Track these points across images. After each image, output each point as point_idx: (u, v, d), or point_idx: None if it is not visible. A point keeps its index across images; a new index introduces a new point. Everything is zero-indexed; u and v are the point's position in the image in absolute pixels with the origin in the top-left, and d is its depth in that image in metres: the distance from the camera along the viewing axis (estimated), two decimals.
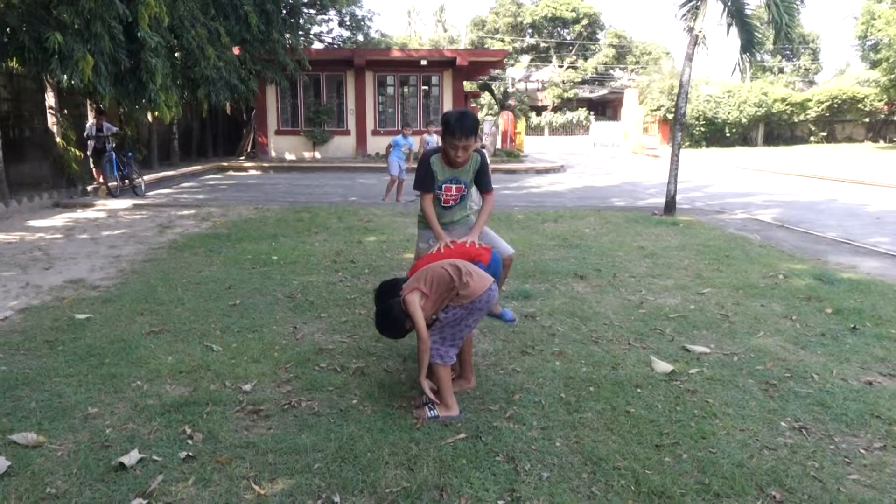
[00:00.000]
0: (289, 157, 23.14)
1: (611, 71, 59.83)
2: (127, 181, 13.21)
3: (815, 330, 4.62)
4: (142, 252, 7.29)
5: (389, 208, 10.84)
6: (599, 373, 3.82)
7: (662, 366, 3.91)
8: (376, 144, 23.00)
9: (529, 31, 60.95)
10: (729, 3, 10.42)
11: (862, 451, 2.95)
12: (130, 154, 13.74)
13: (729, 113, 35.01)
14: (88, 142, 13.23)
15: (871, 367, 3.95)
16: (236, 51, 16.74)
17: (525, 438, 3.03)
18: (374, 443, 2.97)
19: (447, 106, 23.56)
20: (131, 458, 2.77)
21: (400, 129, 13.05)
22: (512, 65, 56.66)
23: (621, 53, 60.17)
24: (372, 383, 3.66)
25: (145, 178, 15.42)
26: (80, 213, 10.64)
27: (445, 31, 64.00)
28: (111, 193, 12.58)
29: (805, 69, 57.09)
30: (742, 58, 10.99)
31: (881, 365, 3.98)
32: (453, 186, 3.93)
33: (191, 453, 2.84)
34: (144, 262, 6.73)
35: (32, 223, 9.54)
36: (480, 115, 35.83)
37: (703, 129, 35.30)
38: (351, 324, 4.72)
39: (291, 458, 2.83)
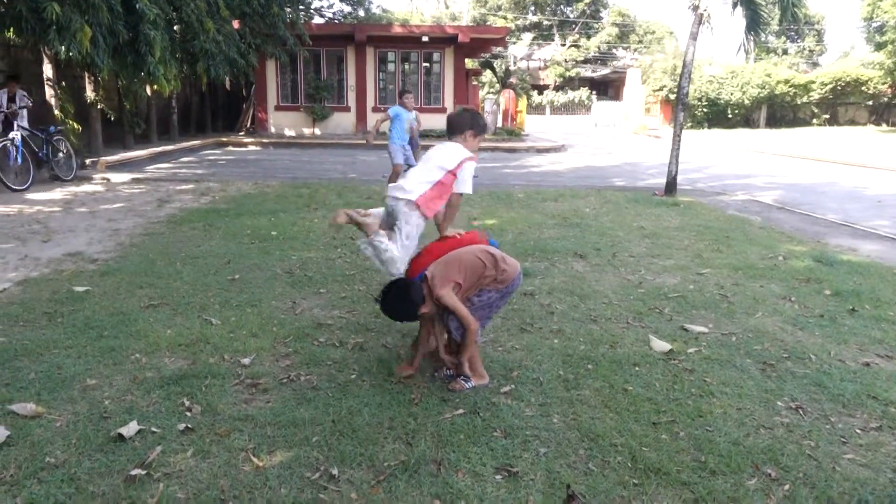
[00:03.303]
0: (288, 133, 23.01)
1: (613, 50, 59.29)
2: (48, 166, 10.89)
3: (813, 311, 4.63)
4: (140, 226, 7.27)
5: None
6: (598, 351, 3.83)
7: (661, 345, 3.92)
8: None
9: (532, 8, 60.28)
10: None
11: (858, 431, 2.96)
12: (54, 129, 11.11)
13: (732, 94, 34.82)
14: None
15: (869, 348, 3.96)
16: (236, 24, 16.54)
17: (523, 415, 3.04)
18: (373, 417, 2.98)
19: (448, 83, 23.40)
20: (130, 429, 2.78)
21: (400, 98, 10.79)
22: (514, 42, 56.15)
23: (624, 32, 59.59)
24: (370, 358, 3.66)
25: (144, 152, 15.37)
26: (79, 187, 10.59)
27: (447, 7, 63.16)
28: (7, 187, 9.58)
29: (809, 51, 56.64)
30: (747, 38, 10.88)
31: (879, 346, 3.99)
32: None
33: (189, 425, 2.86)
34: (143, 236, 6.72)
35: (31, 196, 9.50)
36: (482, 94, 35.60)
37: (705, 110, 35.12)
38: (350, 299, 4.72)
39: (290, 431, 2.84)
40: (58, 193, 9.78)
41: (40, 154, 10.77)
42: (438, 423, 2.93)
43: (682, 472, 2.59)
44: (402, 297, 3.19)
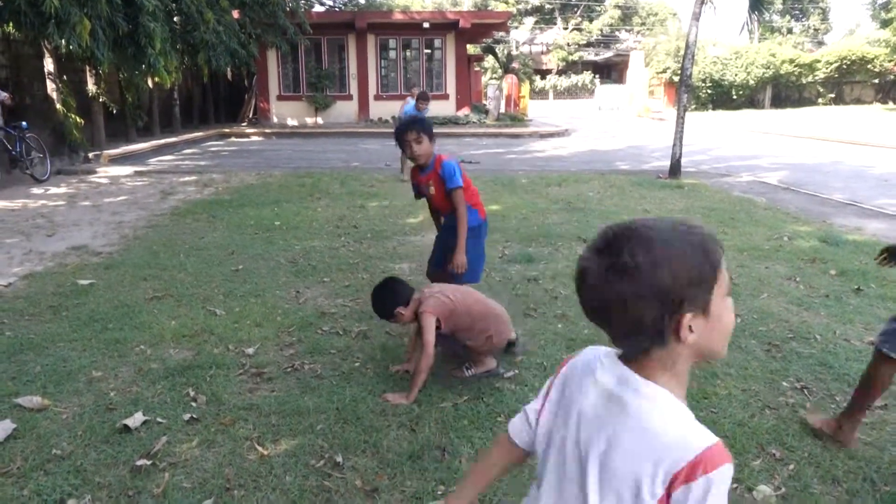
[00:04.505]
0: (291, 122, 22.96)
1: (616, 33, 58.87)
2: (21, 165, 10.19)
3: (818, 291, 4.60)
4: (144, 218, 7.28)
5: (392, 173, 10.78)
6: (601, 335, 3.77)
7: None
8: (379, 109, 22.80)
9: None
10: None
11: None
12: (26, 125, 10.39)
13: (736, 75, 34.56)
14: None
15: (875, 327, 3.93)
16: (235, 14, 16.51)
17: (527, 400, 3.00)
18: (377, 404, 2.98)
19: (450, 70, 23.29)
20: (135, 420, 2.80)
21: (416, 102, 10.53)
22: (516, 27, 55.74)
23: (627, 15, 59.14)
24: (374, 346, 3.67)
25: (147, 144, 15.37)
26: (82, 180, 10.61)
27: None
28: None
29: (814, 29, 56.11)
30: (750, 17, 10.81)
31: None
32: None
33: (194, 415, 2.87)
34: (147, 229, 6.73)
35: (34, 190, 9.53)
36: (484, 80, 35.41)
37: (709, 91, 34.89)
38: (353, 288, 4.72)
39: (294, 419, 2.85)
40: (61, 187, 9.81)
41: (13, 152, 10.10)
42: (442, 410, 2.93)
43: None
44: (384, 294, 3.20)
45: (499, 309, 3.28)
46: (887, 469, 2.50)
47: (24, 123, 10.43)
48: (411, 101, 10.62)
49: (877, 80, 36.56)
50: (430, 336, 3.02)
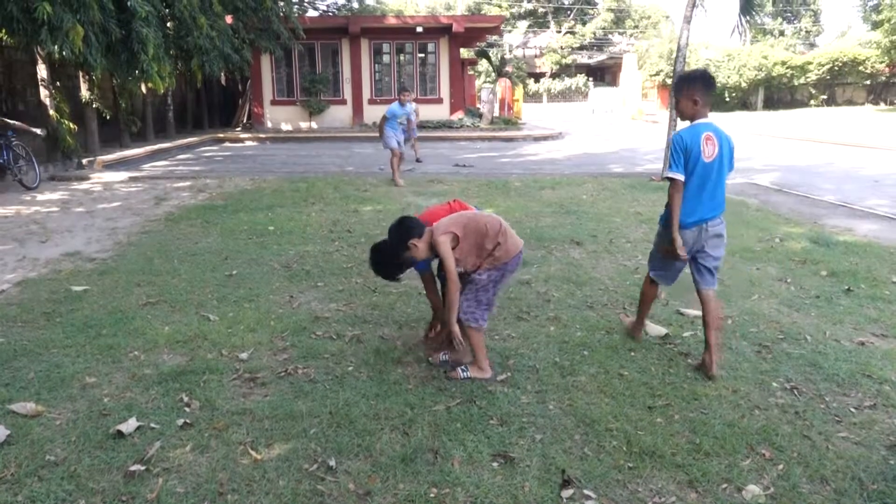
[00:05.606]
0: (285, 127, 22.96)
1: (609, 36, 59.01)
2: (10, 172, 10.08)
3: (809, 292, 4.64)
4: (138, 224, 7.28)
5: (386, 177, 10.80)
6: (594, 337, 3.85)
7: (656, 329, 3.93)
8: (373, 114, 22.79)
9: None
10: None
11: (852, 409, 2.98)
12: (12, 134, 10.27)
13: (728, 77, 34.75)
14: None
15: (864, 327, 3.98)
16: (229, 20, 16.52)
17: (519, 402, 3.06)
18: (370, 408, 3.00)
19: (444, 73, 23.33)
20: (129, 425, 2.80)
21: (397, 96, 10.98)
22: (509, 31, 55.91)
23: (620, 18, 59.28)
24: (367, 350, 3.68)
25: (141, 150, 15.36)
26: (76, 186, 10.59)
27: None
28: None
29: (806, 31, 56.37)
30: (741, 20, 10.85)
31: (874, 326, 4.01)
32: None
33: (188, 420, 2.88)
34: (141, 234, 6.73)
35: (28, 197, 9.51)
36: (478, 83, 35.49)
37: None
38: (347, 292, 4.73)
39: (288, 423, 2.86)
40: (55, 193, 9.79)
41: (1, 161, 10.03)
42: (435, 413, 2.95)
43: (677, 454, 2.61)
44: (400, 229, 3.25)
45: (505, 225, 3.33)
46: (875, 468, 2.53)
47: (10, 132, 10.35)
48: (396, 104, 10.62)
49: (868, 82, 36.81)
50: (451, 263, 3.12)
